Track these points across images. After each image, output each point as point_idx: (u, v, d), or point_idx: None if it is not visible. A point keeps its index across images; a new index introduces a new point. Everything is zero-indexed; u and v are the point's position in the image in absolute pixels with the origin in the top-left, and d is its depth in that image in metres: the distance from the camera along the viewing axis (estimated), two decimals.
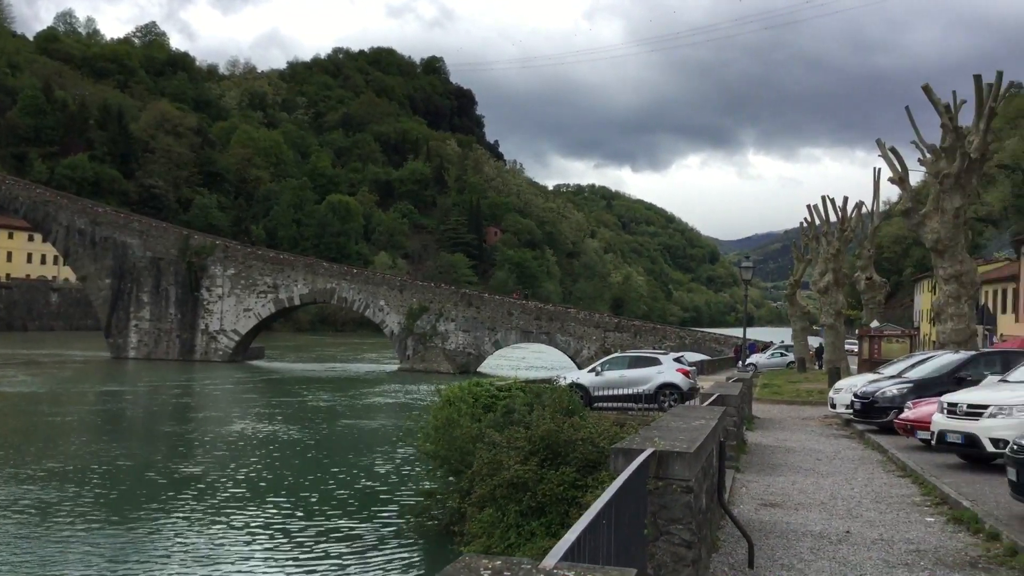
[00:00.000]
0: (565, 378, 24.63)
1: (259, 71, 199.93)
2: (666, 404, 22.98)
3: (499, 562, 2.25)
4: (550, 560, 2.36)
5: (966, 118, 24.10)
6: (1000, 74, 23.41)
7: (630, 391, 23.73)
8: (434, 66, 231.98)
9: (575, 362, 65.47)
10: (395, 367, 70.61)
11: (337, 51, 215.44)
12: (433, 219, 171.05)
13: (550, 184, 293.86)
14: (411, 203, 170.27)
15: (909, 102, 26.68)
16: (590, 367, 26.91)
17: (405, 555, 16.60)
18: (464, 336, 71.45)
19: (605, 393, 24.00)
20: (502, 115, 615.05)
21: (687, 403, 20.99)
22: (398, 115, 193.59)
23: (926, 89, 24.80)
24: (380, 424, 36.55)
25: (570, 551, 2.56)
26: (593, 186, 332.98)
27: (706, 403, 12.81)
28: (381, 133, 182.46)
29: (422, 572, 15.74)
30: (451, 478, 17.89)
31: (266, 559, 16.19)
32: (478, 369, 67.15)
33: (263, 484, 23.08)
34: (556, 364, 66.90)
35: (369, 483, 23.48)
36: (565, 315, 72.57)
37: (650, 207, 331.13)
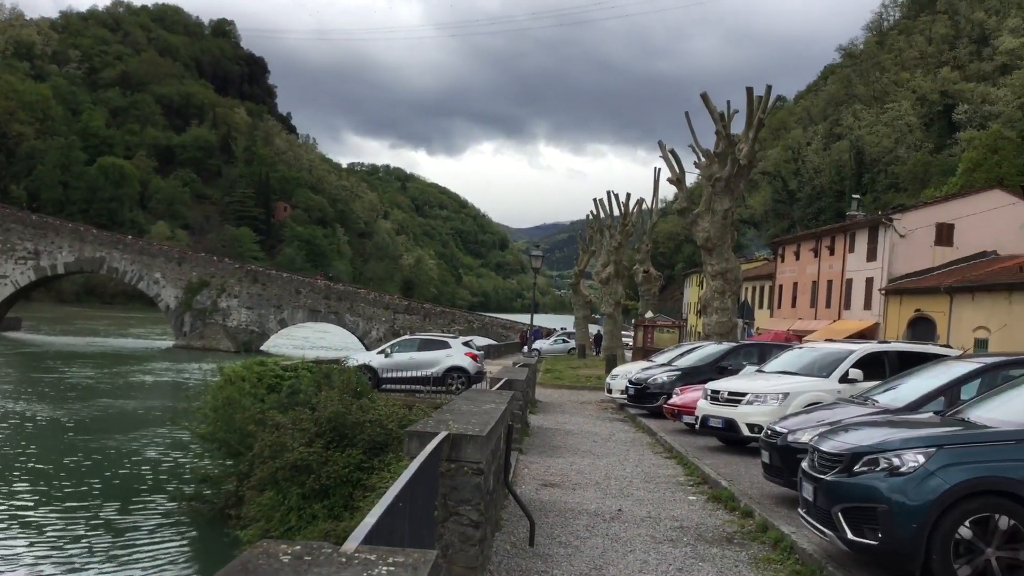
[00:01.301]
0: (355, 359, 24.37)
1: (27, 18, 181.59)
2: (454, 387, 23.31)
3: (299, 547, 2.20)
4: (351, 544, 2.34)
5: (738, 126, 26.06)
6: (769, 88, 25.50)
7: (419, 374, 23.86)
8: (224, 29, 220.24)
9: (363, 343, 64.93)
10: (170, 344, 66.94)
11: (117, 4, 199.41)
12: (218, 190, 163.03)
13: (344, 162, 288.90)
14: (194, 171, 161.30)
15: (689, 107, 28.49)
16: (379, 349, 26.79)
17: (177, 541, 15.82)
18: (247, 313, 68.91)
19: (394, 375, 23.99)
20: (296, 87, 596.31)
21: (475, 387, 21.38)
22: (182, 77, 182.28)
23: (704, 97, 26.58)
24: (150, 404, 34.50)
25: (370, 534, 2.55)
26: (388, 167, 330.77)
27: (495, 387, 13.10)
28: (163, 95, 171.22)
29: (194, 557, 15.07)
30: (229, 461, 17.25)
31: (16, 556, 14.84)
32: (261, 348, 64.97)
33: (13, 471, 21.14)
34: (343, 345, 66.02)
35: (136, 468, 22.12)
36: (355, 295, 71.74)
37: (444, 191, 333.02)
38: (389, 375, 23.98)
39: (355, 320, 68.92)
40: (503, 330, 71.90)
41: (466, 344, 26.70)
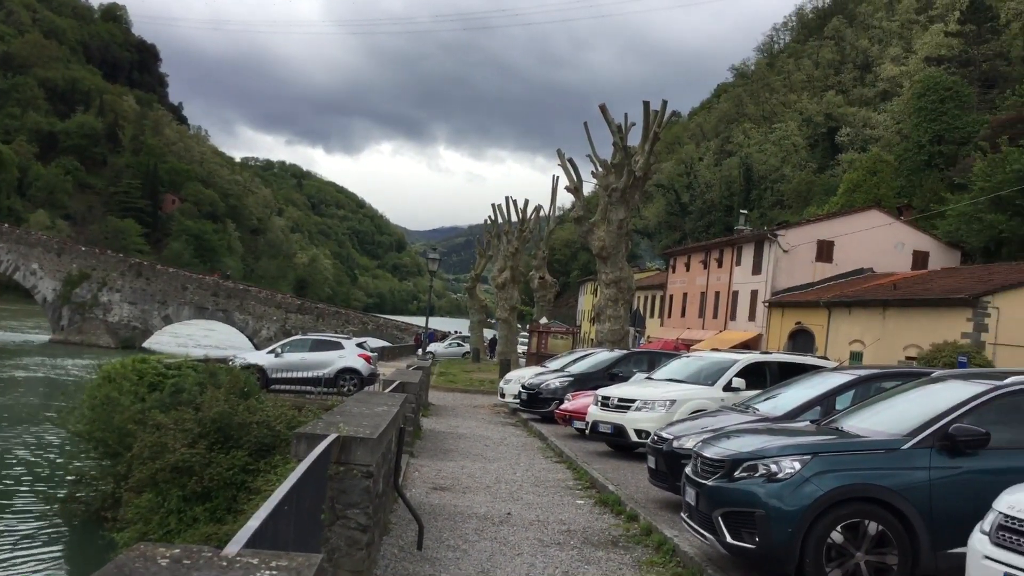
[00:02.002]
0: (243, 358, 23.76)
1: None
2: (346, 389, 23.00)
3: (178, 550, 2.13)
4: (233, 547, 2.28)
5: (635, 139, 26.63)
6: (665, 103, 26.14)
7: (310, 374, 23.45)
8: (114, 14, 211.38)
9: (253, 342, 63.39)
10: (46, 338, 63.80)
11: None
12: (102, 179, 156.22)
13: (237, 156, 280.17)
14: (77, 159, 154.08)
15: (588, 118, 28.99)
16: (270, 348, 26.21)
17: (49, 545, 15.07)
18: (130, 308, 66.33)
19: (284, 376, 23.50)
20: (188, 77, 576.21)
21: (367, 388, 21.16)
22: (68, 61, 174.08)
23: (602, 109, 27.06)
24: (22, 401, 32.79)
25: (253, 538, 2.49)
26: (284, 163, 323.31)
27: (388, 390, 12.99)
28: (47, 79, 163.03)
29: (67, 561, 14.39)
30: (106, 461, 16.55)
31: None
32: (144, 345, 62.65)
33: None
34: (231, 343, 64.27)
35: (5, 468, 20.98)
36: (245, 293, 69.96)
37: (341, 190, 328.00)
38: (279, 375, 23.49)
39: (245, 318, 67.21)
40: (398, 332, 71.34)
41: (359, 345, 26.39)
